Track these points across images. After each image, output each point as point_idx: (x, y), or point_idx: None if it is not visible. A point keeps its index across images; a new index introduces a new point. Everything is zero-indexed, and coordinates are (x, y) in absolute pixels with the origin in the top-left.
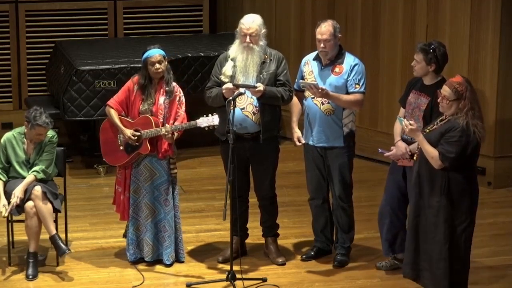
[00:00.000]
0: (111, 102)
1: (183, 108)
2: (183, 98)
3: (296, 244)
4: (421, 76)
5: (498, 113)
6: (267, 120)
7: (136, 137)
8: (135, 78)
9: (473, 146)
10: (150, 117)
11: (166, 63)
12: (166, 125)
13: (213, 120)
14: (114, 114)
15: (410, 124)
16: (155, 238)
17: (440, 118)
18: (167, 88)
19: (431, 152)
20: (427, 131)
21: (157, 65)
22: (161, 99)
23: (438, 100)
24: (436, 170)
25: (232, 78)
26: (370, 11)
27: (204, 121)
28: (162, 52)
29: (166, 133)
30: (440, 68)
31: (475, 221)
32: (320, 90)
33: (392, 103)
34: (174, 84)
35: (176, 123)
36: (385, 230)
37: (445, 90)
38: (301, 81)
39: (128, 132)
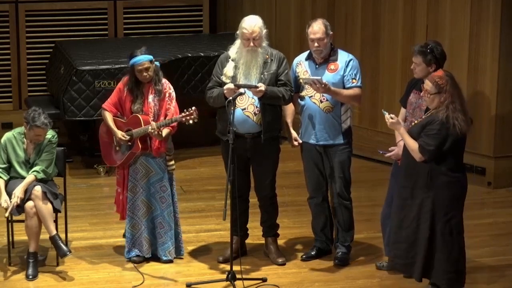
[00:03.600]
0: (106, 104)
1: (173, 103)
2: (173, 94)
3: (296, 244)
4: (422, 78)
5: (498, 113)
6: (268, 121)
7: (127, 138)
8: (125, 79)
9: (453, 139)
10: (139, 116)
11: (153, 66)
12: (152, 122)
13: (192, 113)
14: (108, 116)
15: (391, 117)
16: (152, 234)
17: (427, 113)
18: (156, 87)
19: (412, 145)
20: (413, 124)
21: (144, 73)
22: (150, 97)
23: (421, 94)
24: (419, 163)
25: (233, 79)
26: (370, 11)
27: (184, 116)
28: (149, 58)
29: (152, 130)
30: (440, 67)
31: (464, 216)
32: (323, 85)
33: (392, 103)
34: (163, 81)
35: (167, 119)
36: (388, 231)
37: (427, 84)
38: (302, 77)
39: (119, 133)
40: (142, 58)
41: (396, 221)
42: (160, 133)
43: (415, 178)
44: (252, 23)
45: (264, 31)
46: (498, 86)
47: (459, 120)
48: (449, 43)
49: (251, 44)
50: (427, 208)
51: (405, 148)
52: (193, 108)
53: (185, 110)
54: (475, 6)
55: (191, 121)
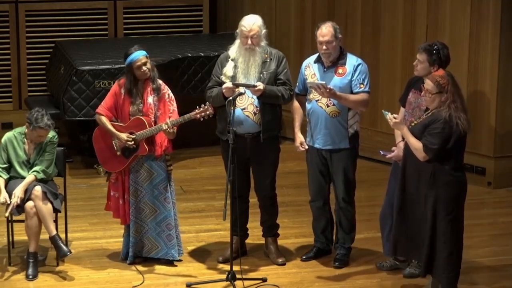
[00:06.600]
0: (100, 109)
1: (174, 104)
2: (172, 94)
3: (296, 244)
4: (423, 76)
5: (498, 113)
6: (267, 120)
7: (132, 140)
8: (121, 81)
9: (456, 138)
10: (143, 118)
11: (150, 61)
12: (167, 120)
13: (207, 109)
14: (105, 121)
15: (394, 118)
16: (159, 236)
17: (427, 112)
18: (153, 86)
19: (415, 144)
20: (414, 124)
21: (143, 68)
22: (150, 98)
23: (422, 94)
24: (422, 162)
25: (233, 78)
26: (370, 11)
27: (199, 112)
28: (145, 53)
29: (168, 128)
30: (442, 69)
31: (464, 216)
32: (328, 90)
33: (392, 102)
34: (160, 81)
35: (172, 119)
36: (387, 230)
37: (428, 84)
38: (308, 81)
39: (124, 136)
40: (138, 54)
41: (398, 220)
42: (174, 131)
43: (417, 178)
44: (251, 22)
45: (264, 31)
46: (498, 86)
47: (461, 119)
48: (449, 43)
49: (249, 42)
50: (429, 207)
51: (407, 148)
52: (207, 103)
53: (197, 106)
54: (475, 6)
55: (205, 117)
